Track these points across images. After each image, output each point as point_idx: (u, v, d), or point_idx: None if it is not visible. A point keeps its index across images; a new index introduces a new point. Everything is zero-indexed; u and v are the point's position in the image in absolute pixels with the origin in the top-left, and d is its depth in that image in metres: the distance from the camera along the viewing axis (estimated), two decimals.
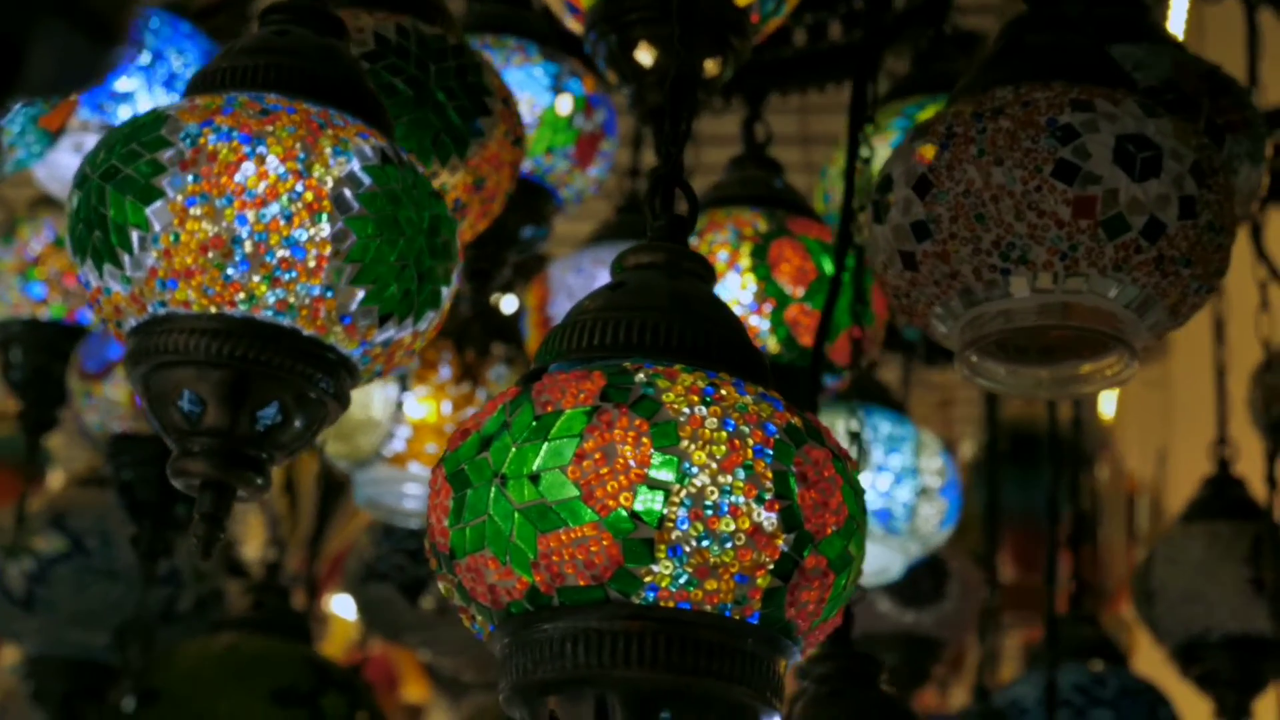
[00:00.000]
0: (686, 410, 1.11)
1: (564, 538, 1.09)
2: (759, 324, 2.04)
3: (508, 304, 2.78)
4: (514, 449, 1.12)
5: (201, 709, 2.46)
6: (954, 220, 1.50)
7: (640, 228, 2.63)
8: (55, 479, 3.94)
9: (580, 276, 2.57)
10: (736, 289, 2.04)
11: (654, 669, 1.10)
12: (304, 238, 1.33)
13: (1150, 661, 3.34)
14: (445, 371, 2.46)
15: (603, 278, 2.55)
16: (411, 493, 2.54)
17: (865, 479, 2.23)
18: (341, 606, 5.31)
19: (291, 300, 1.34)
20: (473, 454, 1.14)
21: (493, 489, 1.12)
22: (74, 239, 1.39)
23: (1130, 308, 1.52)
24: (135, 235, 1.34)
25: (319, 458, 2.57)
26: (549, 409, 1.12)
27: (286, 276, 1.34)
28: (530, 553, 1.10)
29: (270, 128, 1.36)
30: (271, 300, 1.34)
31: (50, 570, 2.88)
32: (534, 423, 1.12)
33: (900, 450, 2.52)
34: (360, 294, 1.36)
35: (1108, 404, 4.76)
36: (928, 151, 1.53)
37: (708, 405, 1.12)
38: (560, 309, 2.59)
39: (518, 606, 1.13)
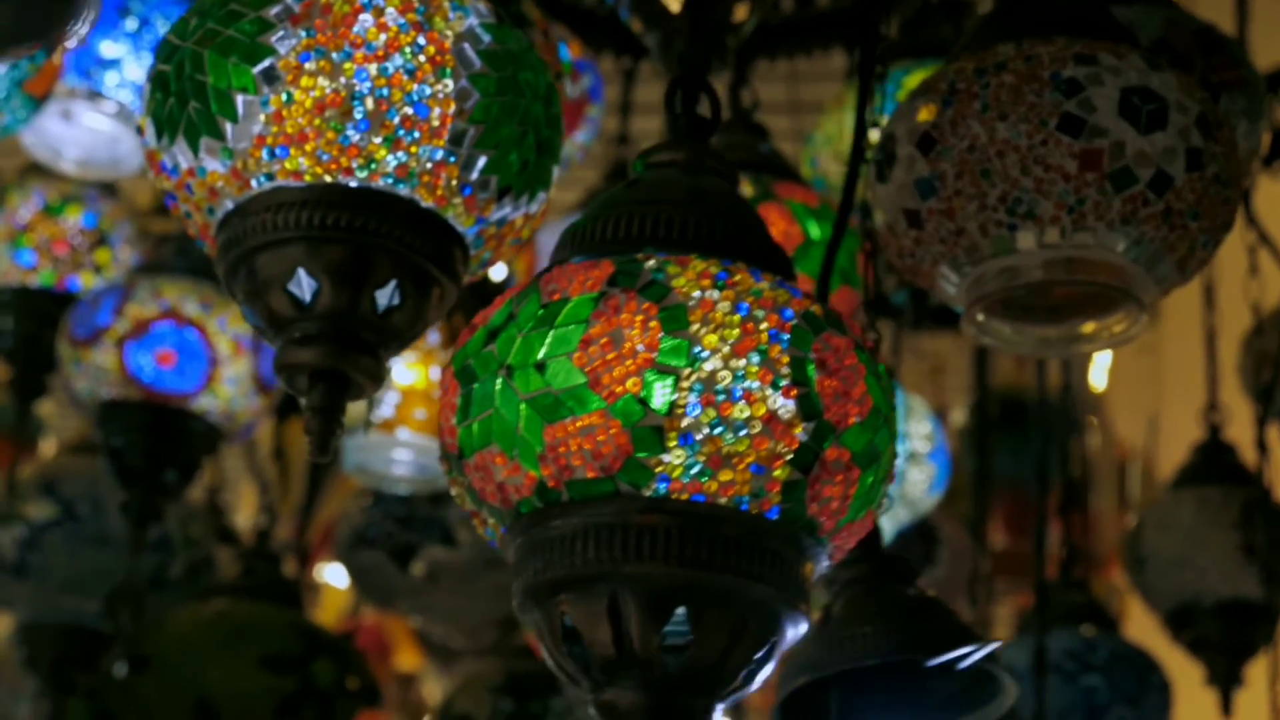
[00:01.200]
0: (697, 294, 1.07)
1: (571, 427, 1.05)
2: None
3: (496, 271, 2.77)
4: (520, 338, 1.08)
5: (192, 675, 2.47)
6: (959, 176, 1.48)
7: None
8: (48, 446, 3.94)
9: None
10: None
11: (668, 564, 1.05)
12: (428, 94, 1.23)
13: (1141, 628, 3.34)
14: (434, 337, 2.45)
15: None
16: (400, 458, 2.54)
17: None
18: (334, 575, 5.31)
19: (413, 165, 1.24)
20: (479, 347, 1.10)
21: (499, 380, 1.07)
22: (160, 119, 1.28)
23: (1138, 262, 1.50)
24: (241, 100, 1.23)
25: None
26: (556, 297, 1.08)
27: (409, 138, 1.23)
28: (537, 445, 1.06)
29: None
30: (392, 165, 1.23)
31: (42, 537, 2.88)
32: (540, 311, 1.08)
33: None
34: (482, 160, 1.26)
35: (1098, 374, 4.76)
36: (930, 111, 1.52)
37: (720, 289, 1.07)
38: None
39: (527, 505, 1.09)
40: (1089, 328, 1.60)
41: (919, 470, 2.55)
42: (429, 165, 1.24)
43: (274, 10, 1.24)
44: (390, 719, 5.92)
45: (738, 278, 1.08)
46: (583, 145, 2.46)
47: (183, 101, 1.25)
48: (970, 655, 1.53)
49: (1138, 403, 5.07)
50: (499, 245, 1.34)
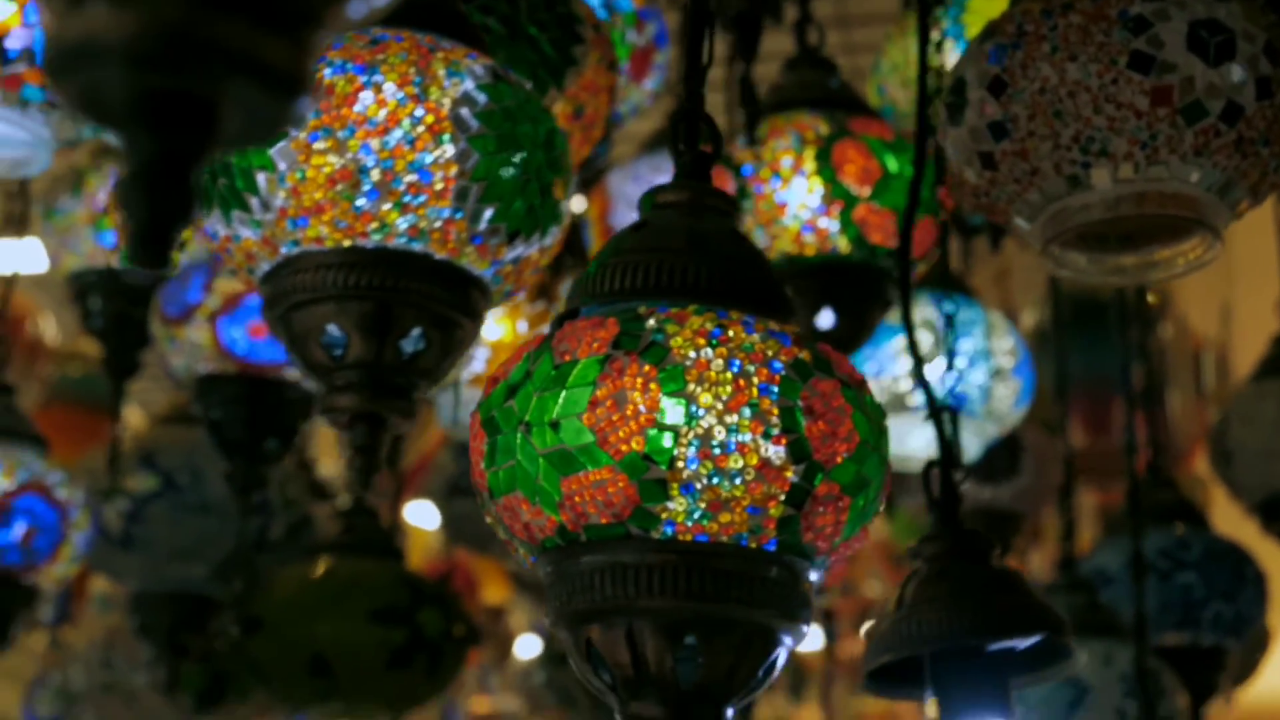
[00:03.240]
0: (693, 354, 1.16)
1: (585, 480, 1.16)
2: (828, 225, 2.05)
3: (576, 204, 2.80)
4: (535, 398, 1.18)
5: (304, 633, 2.52)
6: (1031, 119, 1.51)
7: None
8: (132, 417, 3.99)
9: (638, 185, 2.59)
10: (803, 193, 2.06)
11: (677, 598, 1.16)
12: (429, 160, 1.34)
13: (1227, 519, 3.36)
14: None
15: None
16: None
17: (938, 364, 2.25)
18: (417, 516, 5.39)
19: (422, 225, 1.35)
20: (501, 401, 1.20)
21: (519, 435, 1.18)
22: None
23: (1212, 191, 1.53)
24: (261, 177, 1.35)
25: None
26: (566, 358, 1.18)
27: (416, 201, 1.35)
28: (556, 494, 1.17)
29: (382, 56, 1.37)
30: (404, 227, 1.35)
31: (145, 509, 2.95)
32: (553, 372, 1.18)
33: (972, 334, 2.54)
34: (488, 212, 1.37)
35: None
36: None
37: (714, 347, 1.16)
38: (621, 217, 2.62)
39: (551, 542, 1.20)
40: (1163, 254, 1.62)
41: (1004, 386, 2.57)
42: (438, 224, 1.36)
43: None
44: (481, 652, 6.01)
45: (731, 333, 1.17)
46: (651, 92, 2.48)
47: (214, 177, 1.37)
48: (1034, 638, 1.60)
49: (1209, 293, 5.06)
50: (519, 278, 1.46)
